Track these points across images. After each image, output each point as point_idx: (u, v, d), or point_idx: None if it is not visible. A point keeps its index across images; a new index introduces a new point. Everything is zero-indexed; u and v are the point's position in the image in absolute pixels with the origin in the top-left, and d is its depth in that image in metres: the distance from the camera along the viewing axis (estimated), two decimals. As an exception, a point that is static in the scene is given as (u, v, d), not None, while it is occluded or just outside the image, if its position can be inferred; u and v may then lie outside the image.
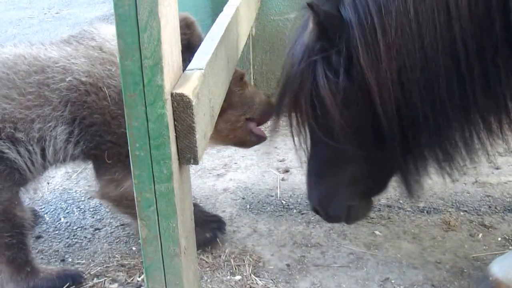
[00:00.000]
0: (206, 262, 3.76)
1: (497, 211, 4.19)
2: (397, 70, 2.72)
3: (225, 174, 4.96)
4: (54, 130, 3.40)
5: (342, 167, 3.24)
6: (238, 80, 3.85)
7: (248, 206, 4.43)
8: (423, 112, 2.78)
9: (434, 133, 2.87)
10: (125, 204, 3.59)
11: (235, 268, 3.69)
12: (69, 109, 3.41)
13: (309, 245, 3.90)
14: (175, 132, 2.24)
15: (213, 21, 3.33)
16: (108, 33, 3.63)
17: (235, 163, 5.14)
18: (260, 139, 4.02)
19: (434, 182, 4.53)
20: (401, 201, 4.35)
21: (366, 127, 2.94)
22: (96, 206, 4.50)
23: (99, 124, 3.45)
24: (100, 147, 3.50)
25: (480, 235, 3.92)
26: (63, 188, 4.82)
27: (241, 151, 5.19)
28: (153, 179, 2.23)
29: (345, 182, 3.28)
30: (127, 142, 3.39)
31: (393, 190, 4.41)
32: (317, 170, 3.40)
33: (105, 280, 3.66)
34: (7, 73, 3.38)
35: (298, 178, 4.80)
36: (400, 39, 2.69)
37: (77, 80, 3.41)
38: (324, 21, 2.81)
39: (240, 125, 3.89)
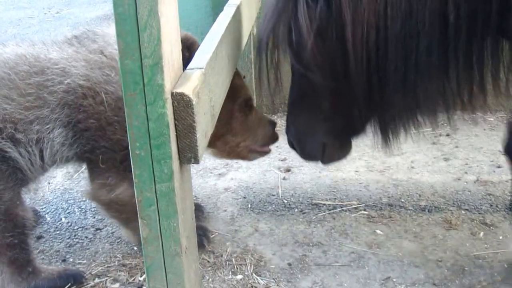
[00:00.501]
0: (208, 261, 3.76)
1: (498, 209, 4.19)
2: (376, 15, 2.66)
3: (226, 174, 4.96)
4: (51, 133, 3.38)
5: (317, 102, 3.19)
6: (243, 105, 3.81)
7: (249, 206, 4.43)
8: (395, 65, 2.73)
9: (401, 87, 2.82)
10: (114, 208, 3.59)
11: (237, 268, 3.69)
12: (65, 112, 3.39)
13: (311, 244, 3.90)
14: (176, 132, 2.23)
15: (214, 20, 3.32)
16: (112, 35, 3.56)
17: (236, 163, 5.13)
18: (262, 154, 4.03)
19: (435, 181, 4.55)
20: (402, 200, 4.36)
21: (336, 60, 2.87)
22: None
23: (95, 129, 3.42)
24: (95, 151, 3.48)
25: (482, 233, 3.92)
26: (64, 188, 4.83)
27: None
28: (154, 178, 2.23)
29: (320, 118, 3.25)
30: (122, 149, 3.38)
31: (394, 188, 4.43)
32: (294, 103, 3.38)
33: (106, 280, 3.66)
34: (8, 73, 3.35)
35: (300, 177, 4.80)
36: None
37: (75, 83, 3.38)
38: None
39: (239, 149, 3.89)
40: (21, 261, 3.46)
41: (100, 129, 3.40)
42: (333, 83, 2.98)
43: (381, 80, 2.81)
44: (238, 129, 3.79)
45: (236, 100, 3.69)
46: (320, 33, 2.83)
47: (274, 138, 3.95)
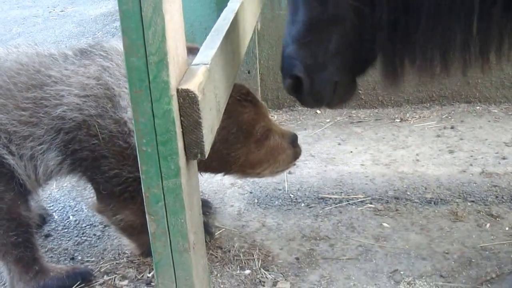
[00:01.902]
0: (216, 257, 3.78)
1: (504, 201, 4.19)
2: None
3: (233, 169, 4.96)
4: (46, 154, 3.33)
5: (331, 31, 2.88)
6: (259, 137, 3.57)
7: (256, 201, 4.44)
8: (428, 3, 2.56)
9: (429, 26, 2.65)
10: (117, 226, 3.63)
11: (245, 263, 3.71)
12: (61, 137, 3.30)
13: (318, 238, 3.91)
14: (182, 128, 2.24)
15: (218, 16, 3.33)
16: (118, 53, 3.39)
17: (242, 158, 5.14)
18: (285, 170, 3.96)
19: (441, 173, 4.55)
20: (408, 193, 4.36)
21: None
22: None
23: (91, 160, 3.34)
24: (94, 180, 3.45)
25: (488, 225, 3.93)
26: (71, 185, 4.82)
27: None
28: (161, 174, 2.24)
29: (333, 49, 2.92)
30: (119, 183, 3.35)
31: (400, 181, 4.43)
32: (301, 35, 2.96)
33: (115, 277, 3.67)
34: (7, 82, 3.30)
35: (306, 172, 4.81)
36: None
37: (69, 112, 3.26)
38: None
39: (261, 176, 3.77)
40: (27, 260, 3.47)
41: (96, 161, 3.33)
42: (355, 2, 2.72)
43: (409, 13, 2.64)
44: (256, 161, 3.63)
45: (252, 136, 3.53)
46: None
47: (296, 155, 3.78)
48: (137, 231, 3.59)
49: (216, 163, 3.42)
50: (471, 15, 2.65)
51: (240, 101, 3.40)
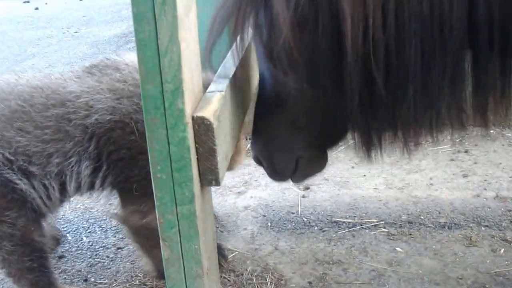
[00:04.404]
0: (229, 280, 3.77)
1: (518, 226, 4.19)
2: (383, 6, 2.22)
3: (246, 192, 4.97)
4: (76, 166, 3.36)
5: (292, 108, 2.70)
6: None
7: (269, 224, 4.44)
8: (414, 74, 2.32)
9: (417, 101, 2.41)
10: (143, 234, 3.60)
11: (258, 287, 3.70)
12: (94, 145, 3.35)
13: (331, 262, 3.90)
14: (197, 155, 2.25)
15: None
16: (134, 62, 3.47)
17: (255, 181, 5.15)
18: None
19: (454, 198, 4.53)
20: (422, 217, 4.35)
21: (320, 59, 2.38)
22: (118, 225, 4.51)
23: (127, 158, 3.38)
24: (129, 180, 3.46)
25: (502, 250, 3.91)
26: (84, 207, 4.85)
27: (261, 168, 5.19)
28: (175, 201, 2.25)
29: (294, 127, 2.76)
30: None
31: (414, 205, 4.42)
32: (262, 110, 2.87)
33: (127, 299, 3.68)
34: (22, 106, 3.33)
35: (319, 195, 4.81)
36: None
37: (102, 117, 3.32)
38: None
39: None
40: (42, 284, 3.49)
41: (133, 158, 3.37)
42: (311, 87, 2.50)
43: (391, 89, 2.37)
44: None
45: None
46: (301, 24, 2.32)
47: None
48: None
49: None
50: (463, 80, 2.45)
51: None
